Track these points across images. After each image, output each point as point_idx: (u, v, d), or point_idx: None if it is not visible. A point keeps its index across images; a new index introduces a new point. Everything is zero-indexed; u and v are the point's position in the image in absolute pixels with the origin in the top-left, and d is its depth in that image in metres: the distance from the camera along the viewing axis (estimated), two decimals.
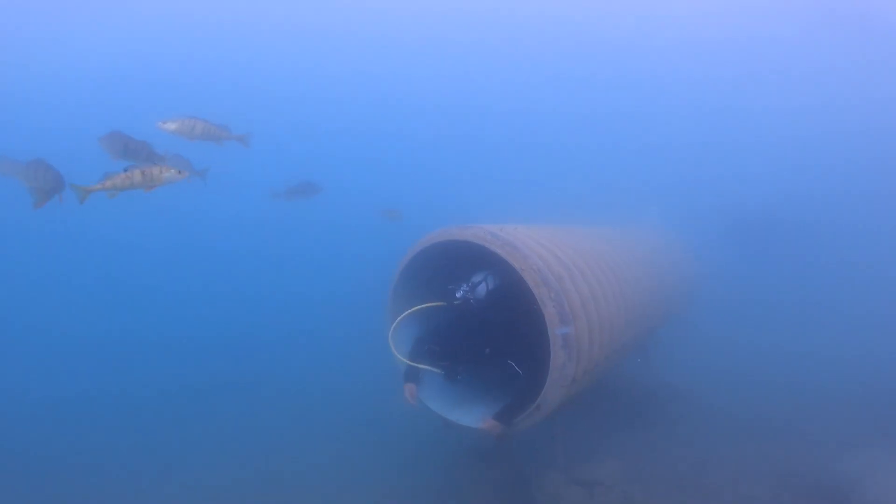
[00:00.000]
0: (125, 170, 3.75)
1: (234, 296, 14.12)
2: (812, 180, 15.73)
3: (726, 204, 12.52)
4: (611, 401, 5.68)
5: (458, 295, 4.47)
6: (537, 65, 23.18)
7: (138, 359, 10.31)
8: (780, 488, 4.82)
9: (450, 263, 4.74)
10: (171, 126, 5.46)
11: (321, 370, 8.59)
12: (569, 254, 4.31)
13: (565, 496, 4.91)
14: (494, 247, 4.14)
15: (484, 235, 4.22)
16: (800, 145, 18.21)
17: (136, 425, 7.50)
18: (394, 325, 4.62)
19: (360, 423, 6.69)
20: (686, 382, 6.51)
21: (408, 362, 4.57)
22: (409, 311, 4.55)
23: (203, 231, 17.70)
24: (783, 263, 11.15)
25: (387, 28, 22.87)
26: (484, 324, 4.45)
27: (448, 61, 24.19)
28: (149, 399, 8.23)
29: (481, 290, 4.47)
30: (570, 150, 20.55)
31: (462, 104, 24.39)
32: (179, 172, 3.72)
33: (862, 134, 17.44)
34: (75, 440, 7.12)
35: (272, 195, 10.01)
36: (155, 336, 11.61)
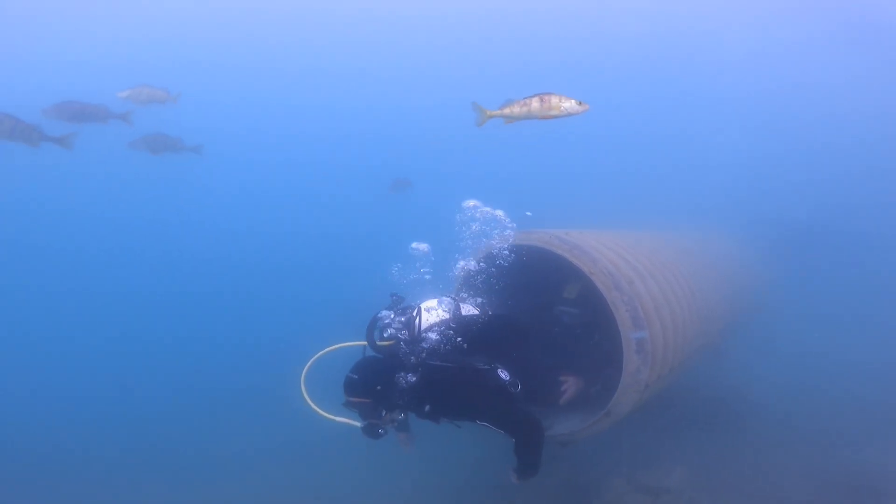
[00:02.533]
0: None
1: (251, 302, 14.14)
2: (868, 186, 15.36)
3: (781, 214, 12.24)
4: (676, 406, 5.55)
5: (385, 335, 3.58)
6: (594, 76, 22.97)
7: (159, 367, 10.44)
8: (856, 496, 4.65)
9: (512, 271, 4.64)
10: (125, 93, 6.66)
11: None
12: (637, 257, 4.23)
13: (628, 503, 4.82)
14: (561, 251, 4.07)
15: (549, 239, 4.15)
16: (851, 152, 17.74)
17: (151, 435, 7.60)
18: (307, 366, 3.66)
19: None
20: (754, 389, 6.35)
21: (320, 412, 3.52)
22: (324, 351, 3.68)
23: (222, 237, 17.84)
24: (845, 271, 10.86)
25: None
26: (426, 372, 3.47)
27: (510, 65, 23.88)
28: (173, 411, 8.33)
29: (405, 333, 3.54)
30: (620, 161, 20.12)
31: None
32: (580, 104, 3.30)
33: None
34: (85, 447, 7.30)
35: (390, 189, 10.34)
36: (173, 344, 11.77)
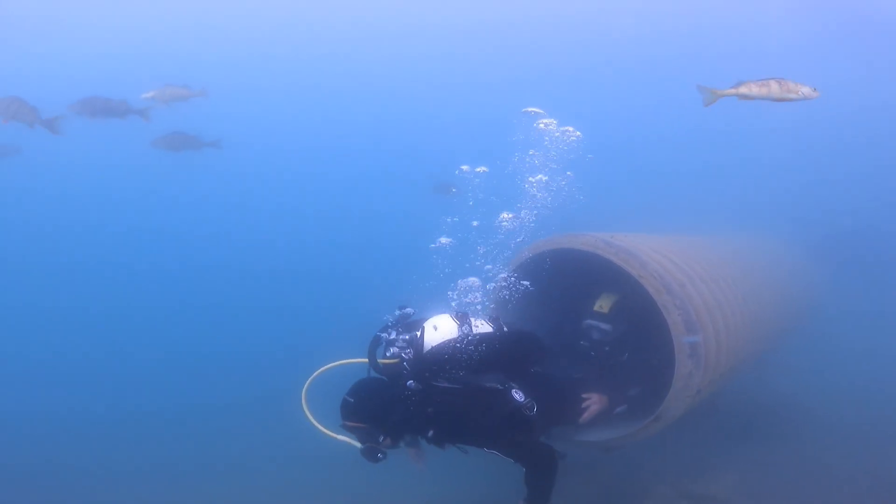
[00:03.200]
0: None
1: (267, 309, 13.90)
2: None
3: (832, 216, 11.87)
4: (725, 412, 5.45)
5: (387, 354, 3.33)
6: (632, 76, 22.59)
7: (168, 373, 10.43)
8: None
9: (556, 277, 4.59)
10: (150, 94, 6.71)
11: None
12: (686, 261, 4.17)
13: None
14: (608, 254, 4.03)
15: (596, 243, 4.11)
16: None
17: (158, 445, 7.49)
18: (307, 382, 3.43)
19: None
20: (806, 395, 6.19)
21: (322, 429, 3.34)
22: (323, 368, 3.44)
23: (227, 244, 17.86)
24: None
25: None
26: (430, 394, 3.24)
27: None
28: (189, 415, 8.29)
29: (409, 352, 3.30)
30: (662, 162, 19.61)
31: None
32: (814, 90, 3.33)
33: None
34: (84, 453, 7.20)
35: (433, 191, 10.27)
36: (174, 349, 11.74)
